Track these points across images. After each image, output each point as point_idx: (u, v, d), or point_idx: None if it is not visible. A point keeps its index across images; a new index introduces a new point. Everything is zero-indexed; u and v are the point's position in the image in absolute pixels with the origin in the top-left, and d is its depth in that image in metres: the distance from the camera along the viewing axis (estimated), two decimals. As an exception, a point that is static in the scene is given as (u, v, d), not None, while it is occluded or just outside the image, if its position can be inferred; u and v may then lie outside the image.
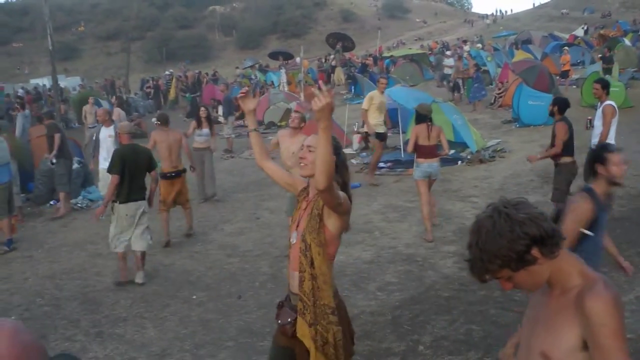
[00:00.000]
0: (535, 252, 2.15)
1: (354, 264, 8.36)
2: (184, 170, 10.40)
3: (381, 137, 13.35)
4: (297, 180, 4.04)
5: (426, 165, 9.26)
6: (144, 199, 8.50)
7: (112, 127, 11.69)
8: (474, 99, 22.84)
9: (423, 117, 9.50)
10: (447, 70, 28.29)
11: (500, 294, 6.95)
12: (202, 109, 12.93)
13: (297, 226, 3.73)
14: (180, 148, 10.48)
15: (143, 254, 8.47)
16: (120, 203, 8.21)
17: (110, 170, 8.26)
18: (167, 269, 8.88)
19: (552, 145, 8.61)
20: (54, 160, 12.55)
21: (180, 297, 7.74)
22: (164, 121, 10.67)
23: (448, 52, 34.05)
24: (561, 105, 8.76)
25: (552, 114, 8.82)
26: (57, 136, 12.53)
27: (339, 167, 3.66)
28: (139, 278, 8.28)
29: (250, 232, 10.28)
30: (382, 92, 13.45)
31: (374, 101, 12.97)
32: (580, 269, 2.24)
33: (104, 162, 11.15)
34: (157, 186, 9.11)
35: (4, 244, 10.38)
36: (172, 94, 32.47)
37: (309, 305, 3.59)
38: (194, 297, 7.72)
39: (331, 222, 3.59)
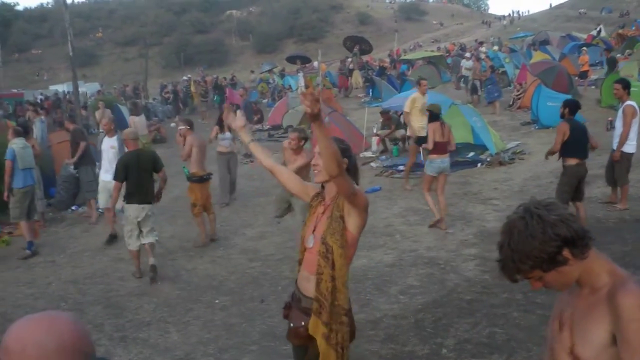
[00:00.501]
0: (566, 253, 2.16)
1: (375, 267, 8.36)
2: (211, 174, 10.60)
3: (423, 141, 12.30)
4: (309, 186, 4.08)
5: (439, 161, 9.96)
6: (149, 203, 8.88)
7: (115, 138, 11.13)
8: (489, 99, 22.77)
9: (436, 115, 10.14)
10: (465, 72, 28.19)
11: (523, 296, 6.94)
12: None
13: (314, 230, 3.75)
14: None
15: (151, 245, 8.93)
16: (127, 203, 8.79)
17: (114, 177, 8.93)
18: (189, 274, 8.93)
19: None
20: (73, 168, 12.71)
21: (203, 302, 7.79)
22: (192, 125, 10.71)
23: (467, 54, 33.96)
24: (572, 107, 8.87)
25: (563, 115, 8.85)
26: (82, 144, 12.60)
27: (351, 169, 3.72)
28: (151, 261, 8.80)
29: (271, 236, 10.31)
30: (424, 94, 13.07)
31: (416, 103, 12.66)
32: (609, 268, 2.24)
33: (104, 173, 10.98)
34: (165, 184, 9.48)
35: (25, 248, 10.52)
36: (196, 99, 32.53)
37: (325, 305, 3.61)
38: (217, 301, 7.76)
39: (352, 222, 3.62)
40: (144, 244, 8.87)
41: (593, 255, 2.23)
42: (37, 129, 17.72)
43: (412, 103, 12.70)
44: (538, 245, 2.15)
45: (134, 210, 8.73)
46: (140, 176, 8.75)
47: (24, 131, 11.35)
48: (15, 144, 10.63)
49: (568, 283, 2.27)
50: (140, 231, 8.81)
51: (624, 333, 2.06)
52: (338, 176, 3.41)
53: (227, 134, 12.57)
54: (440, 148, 9.92)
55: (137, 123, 16.39)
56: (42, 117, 19.50)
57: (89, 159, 12.95)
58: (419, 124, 12.49)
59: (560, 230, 2.15)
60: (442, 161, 9.93)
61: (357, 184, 3.78)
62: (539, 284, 2.26)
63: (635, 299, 2.08)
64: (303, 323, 3.75)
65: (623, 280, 2.17)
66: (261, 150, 4.12)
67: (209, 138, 12.22)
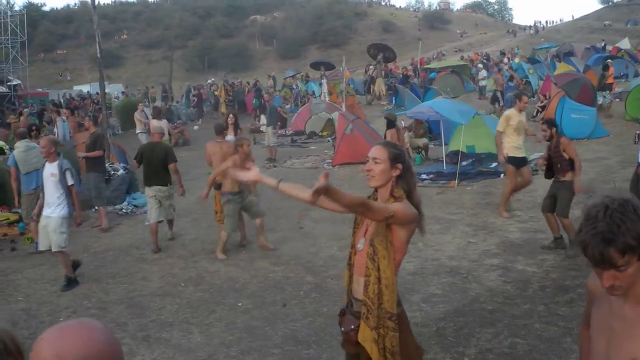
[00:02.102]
0: None
1: (398, 275, 8.34)
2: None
3: (518, 162, 11.16)
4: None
5: None
6: (164, 184, 10.50)
7: (55, 164, 8.81)
8: (508, 105, 22.76)
9: (392, 122, 11.78)
10: (481, 83, 28.24)
11: (545, 308, 6.94)
12: (231, 115, 13.01)
13: (365, 232, 3.79)
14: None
15: (170, 222, 11.07)
16: (145, 185, 10.71)
17: (134, 158, 10.84)
18: (212, 276, 8.99)
19: (552, 161, 9.11)
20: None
21: (225, 304, 7.84)
22: (218, 131, 10.88)
23: (480, 65, 34.00)
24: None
25: (552, 137, 9.12)
26: (98, 152, 12.34)
27: (404, 174, 3.77)
28: (169, 235, 11.00)
29: (293, 241, 10.34)
30: (522, 111, 11.25)
31: (511, 122, 10.98)
32: None
33: (46, 208, 8.86)
34: (178, 176, 10.74)
35: (35, 245, 10.69)
36: (223, 108, 32.63)
37: (373, 309, 3.65)
38: (240, 304, 7.81)
39: (396, 228, 3.67)
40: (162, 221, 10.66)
41: None
42: (59, 128, 18.07)
43: (506, 121, 11.07)
44: None
45: (152, 191, 10.48)
46: (153, 164, 10.42)
47: (29, 131, 11.49)
48: (17, 147, 10.78)
49: (631, 285, 2.19)
50: (160, 204, 10.49)
51: None
52: (365, 214, 3.57)
53: (230, 137, 12.42)
54: None
55: (155, 126, 16.46)
56: (64, 117, 19.83)
57: (101, 167, 12.73)
58: (513, 143, 11.05)
59: None
60: None
61: (413, 189, 3.82)
62: (612, 280, 2.15)
63: None
64: (353, 326, 3.80)
65: None
66: (294, 187, 3.81)
67: None
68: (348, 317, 3.90)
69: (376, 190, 3.87)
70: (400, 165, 3.74)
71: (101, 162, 12.70)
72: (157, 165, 10.38)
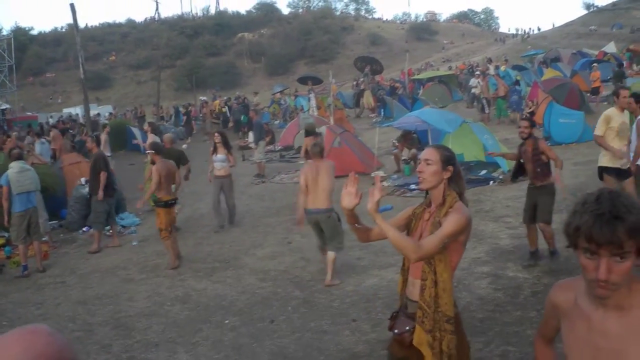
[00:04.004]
0: None
1: (387, 286, 8.25)
2: (176, 199, 10.94)
3: (619, 173, 9.22)
4: (403, 214, 4.00)
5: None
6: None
7: None
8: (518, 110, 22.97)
9: (310, 132, 12.86)
10: (473, 91, 28.29)
11: (537, 314, 6.83)
12: (216, 134, 12.89)
13: (420, 236, 3.71)
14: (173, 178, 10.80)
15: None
16: None
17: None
18: (199, 294, 8.87)
19: (523, 164, 8.71)
20: (87, 193, 12.50)
21: (212, 322, 7.72)
22: (158, 151, 10.83)
23: (477, 72, 34.06)
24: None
25: (530, 136, 8.62)
26: (103, 174, 11.92)
27: (454, 177, 3.75)
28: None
29: (282, 257, 10.23)
30: (624, 110, 9.41)
31: (612, 123, 9.27)
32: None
33: None
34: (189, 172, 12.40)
35: (22, 269, 10.66)
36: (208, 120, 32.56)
37: (428, 313, 3.61)
38: (227, 321, 7.69)
39: None
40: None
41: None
42: (37, 150, 18.22)
43: (605, 123, 9.35)
44: None
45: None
46: None
47: (23, 153, 11.42)
48: (11, 168, 10.71)
49: (623, 284, 2.07)
50: None
51: None
52: (420, 258, 3.48)
53: (219, 156, 12.42)
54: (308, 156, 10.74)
55: (167, 135, 16.35)
56: (43, 139, 20.05)
57: (110, 188, 12.30)
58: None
59: None
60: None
61: (462, 191, 3.79)
62: (609, 272, 2.03)
63: None
64: (408, 327, 3.75)
65: None
66: (362, 230, 3.86)
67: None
68: (402, 319, 3.85)
69: (427, 193, 3.85)
70: (451, 168, 3.72)
71: (110, 184, 12.23)
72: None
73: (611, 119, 9.31)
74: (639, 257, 2.03)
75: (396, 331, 3.84)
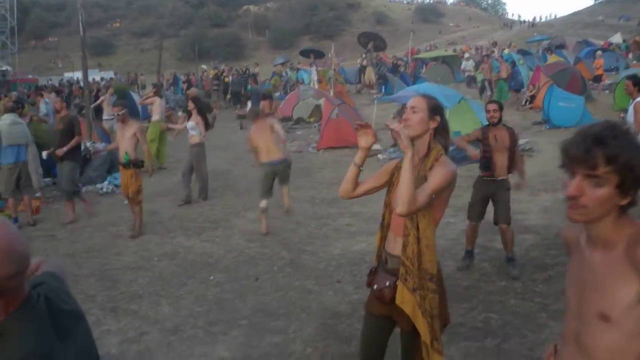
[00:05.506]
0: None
1: (374, 252, 8.19)
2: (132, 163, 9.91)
3: None
4: (383, 170, 3.91)
5: None
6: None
7: None
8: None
9: (268, 96, 12.08)
10: (467, 74, 28.36)
11: (522, 285, 6.87)
12: (189, 100, 12.36)
13: None
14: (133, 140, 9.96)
15: None
16: None
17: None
18: (187, 251, 8.88)
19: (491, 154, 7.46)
20: (45, 157, 11.81)
21: (197, 278, 7.74)
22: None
23: (466, 55, 34.01)
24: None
25: (500, 120, 7.52)
26: (77, 138, 10.88)
27: (441, 129, 3.65)
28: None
29: (272, 220, 10.18)
30: None
31: None
32: (629, 222, 2.11)
33: None
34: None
35: (12, 222, 10.53)
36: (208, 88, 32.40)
37: (412, 270, 3.52)
38: (212, 278, 7.72)
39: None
40: None
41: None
42: (42, 108, 18.10)
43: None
44: None
45: None
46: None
47: (17, 106, 11.28)
48: (3, 120, 10.62)
49: (599, 215, 2.06)
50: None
51: None
52: (404, 215, 3.38)
53: (190, 124, 11.89)
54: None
55: (161, 104, 16.25)
56: (46, 98, 19.94)
57: (78, 155, 11.26)
58: None
59: None
60: None
61: (447, 144, 3.67)
62: (578, 190, 2.03)
63: None
64: (388, 283, 3.66)
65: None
66: (354, 179, 3.77)
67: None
68: (382, 274, 3.75)
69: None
70: (438, 118, 3.61)
71: (77, 149, 11.13)
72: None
73: None
74: (622, 195, 2.02)
75: (375, 287, 3.75)
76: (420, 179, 3.49)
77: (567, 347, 2.28)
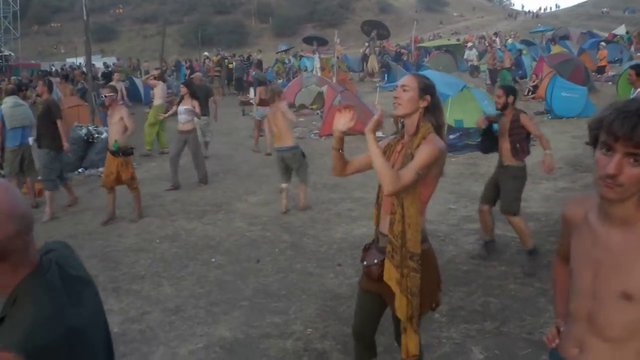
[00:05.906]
0: None
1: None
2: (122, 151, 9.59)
3: None
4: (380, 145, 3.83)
5: (262, 110, 14.50)
6: (206, 115, 13.90)
7: None
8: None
9: (263, 82, 14.81)
10: (470, 63, 28.30)
11: (521, 270, 6.88)
12: (182, 86, 12.22)
13: (392, 168, 3.59)
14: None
15: (206, 143, 14.56)
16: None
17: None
18: (188, 234, 8.92)
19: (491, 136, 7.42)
20: (83, 130, 11.87)
21: (199, 260, 7.78)
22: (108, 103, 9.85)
23: (469, 44, 33.89)
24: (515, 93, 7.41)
25: (506, 106, 7.12)
26: (60, 123, 10.21)
27: (432, 108, 3.65)
28: (205, 153, 13.70)
29: (274, 204, 10.20)
30: None
31: None
32: None
33: None
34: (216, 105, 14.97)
35: None
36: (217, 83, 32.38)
37: (397, 247, 3.55)
38: (213, 260, 7.75)
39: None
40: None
41: None
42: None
43: None
44: None
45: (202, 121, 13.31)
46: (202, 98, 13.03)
47: (19, 89, 11.27)
48: (5, 102, 10.63)
49: (630, 194, 2.04)
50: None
51: None
52: (392, 194, 3.42)
53: (183, 107, 11.63)
54: (263, 103, 14.25)
55: (163, 89, 16.27)
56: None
57: (57, 142, 10.30)
58: None
59: None
60: (264, 110, 13.92)
61: (441, 124, 3.67)
62: (619, 168, 2.00)
63: None
64: (376, 260, 3.71)
65: None
66: (341, 161, 3.84)
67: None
68: (373, 251, 3.80)
69: (403, 125, 3.74)
70: (428, 97, 3.59)
71: (56, 136, 10.29)
72: (202, 99, 13.18)
73: None
74: None
75: (365, 263, 3.82)
76: (407, 157, 3.52)
77: (577, 325, 2.28)
